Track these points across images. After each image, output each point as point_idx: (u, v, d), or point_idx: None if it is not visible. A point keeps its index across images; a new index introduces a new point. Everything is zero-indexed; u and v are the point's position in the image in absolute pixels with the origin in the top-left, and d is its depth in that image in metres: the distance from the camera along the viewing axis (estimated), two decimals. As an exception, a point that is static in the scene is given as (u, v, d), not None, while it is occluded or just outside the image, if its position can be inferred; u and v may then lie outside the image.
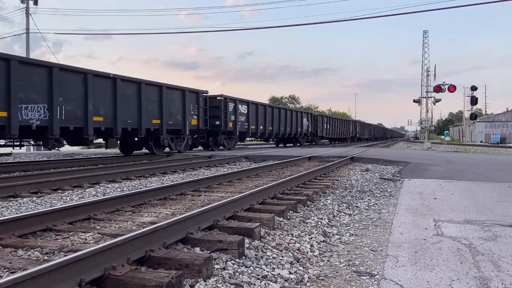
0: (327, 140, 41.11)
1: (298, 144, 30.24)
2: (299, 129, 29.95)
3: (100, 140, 16.03)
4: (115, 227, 4.13)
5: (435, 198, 6.15)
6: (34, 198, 6.15)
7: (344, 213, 5.29)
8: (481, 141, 59.62)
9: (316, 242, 3.86)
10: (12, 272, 2.62)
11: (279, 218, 4.48)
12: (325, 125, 35.92)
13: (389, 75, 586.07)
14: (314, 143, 33.77)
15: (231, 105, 20.75)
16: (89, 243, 3.45)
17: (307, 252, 3.55)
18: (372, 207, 5.69)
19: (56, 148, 12.33)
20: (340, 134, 41.36)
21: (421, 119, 36.42)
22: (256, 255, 3.26)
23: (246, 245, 3.38)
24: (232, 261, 3.03)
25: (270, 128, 25.24)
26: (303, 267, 3.14)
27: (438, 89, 27.90)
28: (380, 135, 79.60)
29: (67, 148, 17.55)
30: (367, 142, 48.15)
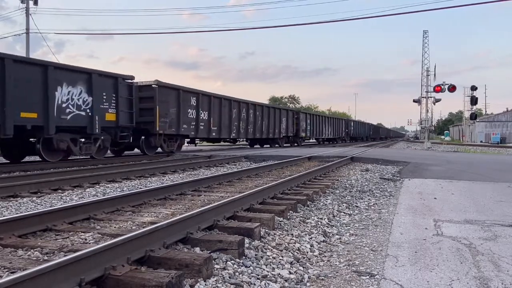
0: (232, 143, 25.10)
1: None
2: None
3: None
4: (115, 227, 4.13)
5: (435, 198, 6.15)
6: (34, 198, 6.14)
7: (344, 213, 5.29)
8: (481, 141, 59.61)
9: (316, 242, 3.86)
10: (12, 272, 2.62)
11: (279, 218, 4.48)
12: (206, 113, 18.42)
13: (389, 75, 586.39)
14: (169, 154, 16.49)
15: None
16: (89, 243, 3.45)
17: (307, 252, 3.55)
18: (372, 207, 5.69)
19: None
20: (262, 133, 23.88)
21: (421, 119, 36.39)
22: (256, 255, 3.26)
23: (246, 245, 3.38)
24: (232, 261, 3.03)
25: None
26: (303, 267, 3.14)
27: (438, 89, 27.89)
28: (367, 135, 58.42)
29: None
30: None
